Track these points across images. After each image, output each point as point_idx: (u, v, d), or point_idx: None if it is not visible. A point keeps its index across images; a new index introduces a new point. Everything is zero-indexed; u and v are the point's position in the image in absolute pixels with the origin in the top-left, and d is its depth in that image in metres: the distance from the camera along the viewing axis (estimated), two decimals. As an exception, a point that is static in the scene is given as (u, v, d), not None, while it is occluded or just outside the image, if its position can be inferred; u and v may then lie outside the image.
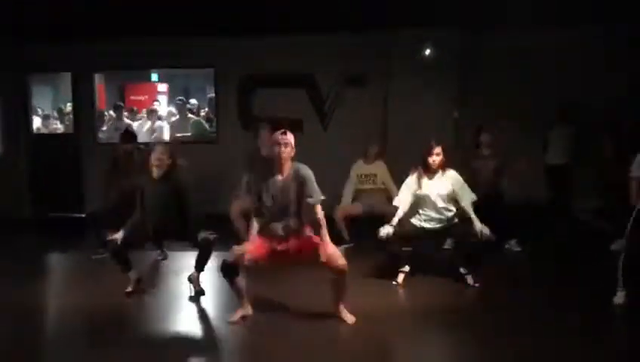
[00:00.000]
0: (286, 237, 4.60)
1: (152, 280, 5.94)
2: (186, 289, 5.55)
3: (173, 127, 9.60)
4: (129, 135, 7.23)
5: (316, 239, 4.57)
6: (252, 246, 4.57)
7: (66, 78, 9.84)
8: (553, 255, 6.83)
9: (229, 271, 4.56)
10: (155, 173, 5.37)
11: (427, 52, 8.60)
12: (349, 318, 4.66)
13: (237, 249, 4.57)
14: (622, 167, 6.94)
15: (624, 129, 7.29)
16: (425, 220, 5.63)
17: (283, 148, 4.51)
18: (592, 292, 5.26)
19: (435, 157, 5.49)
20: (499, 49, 8.50)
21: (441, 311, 5.00)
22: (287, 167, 4.58)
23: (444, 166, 5.56)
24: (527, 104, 8.27)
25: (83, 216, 9.57)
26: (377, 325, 4.68)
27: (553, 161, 7.76)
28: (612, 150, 7.20)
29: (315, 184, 4.57)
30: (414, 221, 5.67)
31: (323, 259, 4.48)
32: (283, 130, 4.58)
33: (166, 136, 9.83)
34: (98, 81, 9.92)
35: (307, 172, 4.58)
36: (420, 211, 5.63)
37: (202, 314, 5.07)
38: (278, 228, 4.58)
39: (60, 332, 4.80)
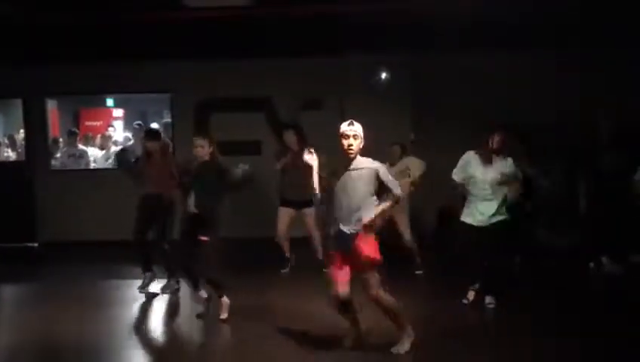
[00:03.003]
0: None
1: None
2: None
3: (130, 152, 9.41)
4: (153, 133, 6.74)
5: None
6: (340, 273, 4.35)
7: (17, 104, 9.59)
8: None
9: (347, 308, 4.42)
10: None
11: (380, 76, 8.76)
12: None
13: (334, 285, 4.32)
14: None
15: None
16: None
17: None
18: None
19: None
20: (450, 71, 8.70)
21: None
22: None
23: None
24: (480, 125, 8.43)
25: (35, 245, 9.29)
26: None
27: None
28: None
29: None
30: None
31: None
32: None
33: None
34: (51, 106, 9.73)
35: None
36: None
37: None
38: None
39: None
